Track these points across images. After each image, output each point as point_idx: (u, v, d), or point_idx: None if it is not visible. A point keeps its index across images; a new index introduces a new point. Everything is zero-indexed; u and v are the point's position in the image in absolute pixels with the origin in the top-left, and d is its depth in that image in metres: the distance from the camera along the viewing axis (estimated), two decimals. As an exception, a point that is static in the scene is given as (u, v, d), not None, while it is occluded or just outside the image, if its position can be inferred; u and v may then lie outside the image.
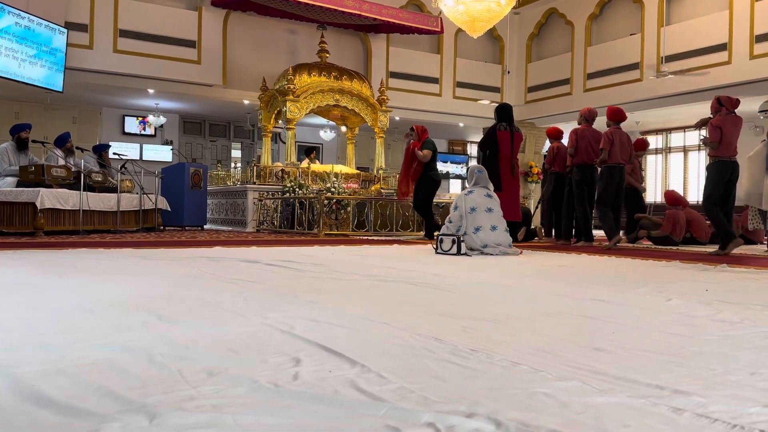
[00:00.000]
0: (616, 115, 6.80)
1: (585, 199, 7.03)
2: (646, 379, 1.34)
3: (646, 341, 1.79)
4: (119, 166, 8.52)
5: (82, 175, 7.51)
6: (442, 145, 18.67)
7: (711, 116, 5.93)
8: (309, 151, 12.44)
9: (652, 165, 15.93)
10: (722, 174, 5.76)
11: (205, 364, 1.42)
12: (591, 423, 1.06)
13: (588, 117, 7.17)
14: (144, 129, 14.27)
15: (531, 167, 15.17)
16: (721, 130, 5.67)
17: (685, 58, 11.79)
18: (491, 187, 5.93)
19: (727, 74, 11.13)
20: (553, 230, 7.98)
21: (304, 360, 1.46)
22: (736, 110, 5.88)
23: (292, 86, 10.29)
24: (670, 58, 11.93)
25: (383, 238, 8.26)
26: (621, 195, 6.83)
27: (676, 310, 2.39)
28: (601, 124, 7.06)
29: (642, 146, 8.37)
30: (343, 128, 12.85)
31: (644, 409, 1.15)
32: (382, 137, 11.60)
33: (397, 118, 14.01)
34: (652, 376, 1.36)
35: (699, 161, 14.76)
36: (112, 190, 8.14)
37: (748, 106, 12.18)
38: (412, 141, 7.75)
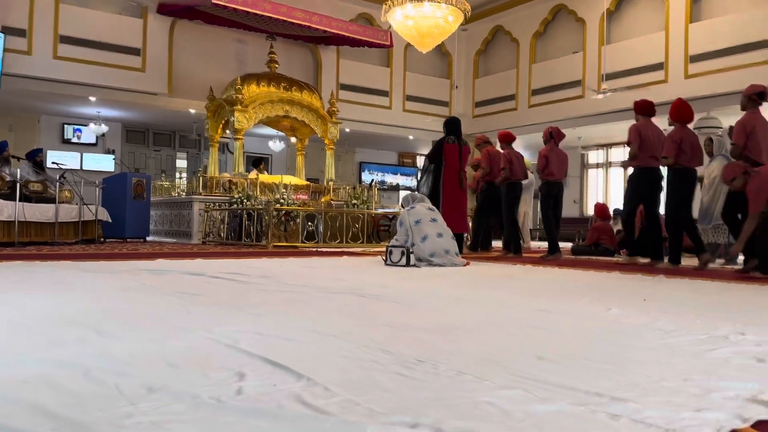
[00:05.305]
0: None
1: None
2: (585, 386, 1.38)
3: (586, 350, 1.84)
4: (58, 176, 8.21)
5: (18, 185, 7.21)
6: (392, 157, 18.72)
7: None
8: (258, 162, 12.23)
9: (593, 179, 16.44)
10: (550, 192, 7.10)
11: (145, 379, 1.37)
12: (532, 430, 1.09)
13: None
14: (80, 138, 13.82)
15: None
16: (547, 158, 6.98)
17: (625, 76, 12.26)
18: (429, 203, 6.13)
19: (664, 92, 11.60)
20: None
21: (248, 374, 1.44)
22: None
23: (240, 96, 10.17)
24: (611, 76, 12.38)
25: (333, 249, 8.23)
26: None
27: (615, 319, 2.47)
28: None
29: None
30: (293, 139, 12.78)
31: (583, 416, 1.18)
32: (332, 149, 11.60)
33: (348, 130, 14.03)
34: (591, 384, 1.40)
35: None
36: (50, 200, 7.83)
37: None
38: None
